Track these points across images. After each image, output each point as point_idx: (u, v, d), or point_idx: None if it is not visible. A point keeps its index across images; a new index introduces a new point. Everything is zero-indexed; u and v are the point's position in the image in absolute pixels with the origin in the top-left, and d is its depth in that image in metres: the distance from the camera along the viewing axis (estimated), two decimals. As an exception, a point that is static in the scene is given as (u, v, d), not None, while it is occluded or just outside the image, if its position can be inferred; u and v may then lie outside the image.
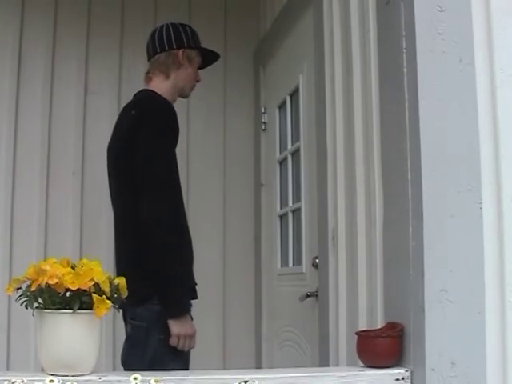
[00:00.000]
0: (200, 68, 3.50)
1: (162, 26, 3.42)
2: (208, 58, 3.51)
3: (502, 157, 2.26)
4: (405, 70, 2.34)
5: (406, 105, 2.32)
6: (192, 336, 3.02)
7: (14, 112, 4.50)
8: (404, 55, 2.35)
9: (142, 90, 3.35)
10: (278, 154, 4.40)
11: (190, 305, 3.10)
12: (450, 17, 2.29)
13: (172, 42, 3.35)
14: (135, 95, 3.38)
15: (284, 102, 4.27)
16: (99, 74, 4.72)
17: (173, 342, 2.96)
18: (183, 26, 3.44)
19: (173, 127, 3.13)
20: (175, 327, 2.96)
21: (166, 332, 2.96)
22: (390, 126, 2.51)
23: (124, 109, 3.37)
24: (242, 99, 4.92)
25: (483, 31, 2.32)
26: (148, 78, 3.37)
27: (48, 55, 4.60)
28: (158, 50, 3.36)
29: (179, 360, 3.00)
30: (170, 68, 3.33)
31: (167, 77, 3.33)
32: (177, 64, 3.34)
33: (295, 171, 4.03)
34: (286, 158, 4.21)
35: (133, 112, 3.19)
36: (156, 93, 3.26)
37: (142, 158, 3.03)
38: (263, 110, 4.70)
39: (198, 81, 3.46)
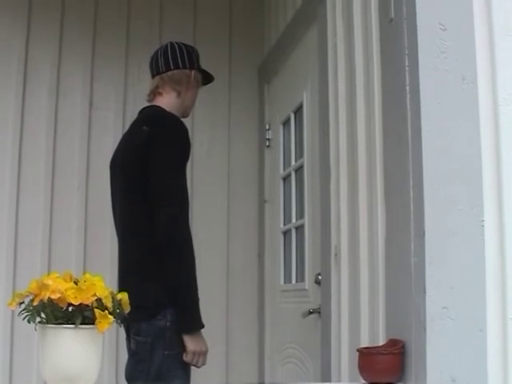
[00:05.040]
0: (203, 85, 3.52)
1: (172, 43, 3.41)
2: (204, 79, 3.52)
3: (504, 175, 2.27)
4: (407, 87, 2.35)
5: (409, 122, 2.33)
6: (205, 353, 3.03)
7: (19, 126, 4.51)
8: (407, 73, 2.36)
9: (151, 107, 3.35)
10: (281, 171, 4.41)
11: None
12: (452, 35, 2.30)
13: (186, 61, 3.36)
14: (142, 111, 3.38)
15: (288, 119, 4.28)
16: (104, 90, 4.74)
17: (188, 358, 2.96)
18: (191, 47, 3.45)
19: (186, 143, 3.15)
20: (191, 343, 2.97)
21: (171, 347, 2.96)
22: (392, 143, 2.51)
23: (133, 125, 3.36)
24: (247, 115, 4.93)
25: (486, 50, 2.32)
26: (157, 93, 3.35)
27: (53, 70, 4.62)
28: (172, 67, 3.35)
29: (183, 376, 3.00)
30: (182, 86, 3.34)
31: (178, 94, 3.33)
32: (188, 83, 3.35)
33: (299, 188, 4.03)
34: (289, 175, 4.22)
35: (145, 128, 3.17)
36: (165, 109, 3.26)
37: (158, 171, 3.04)
38: (267, 127, 4.72)
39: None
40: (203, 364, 3.06)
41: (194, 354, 2.97)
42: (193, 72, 3.36)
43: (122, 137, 3.42)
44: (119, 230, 3.28)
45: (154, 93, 3.36)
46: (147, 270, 3.03)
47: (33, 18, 4.63)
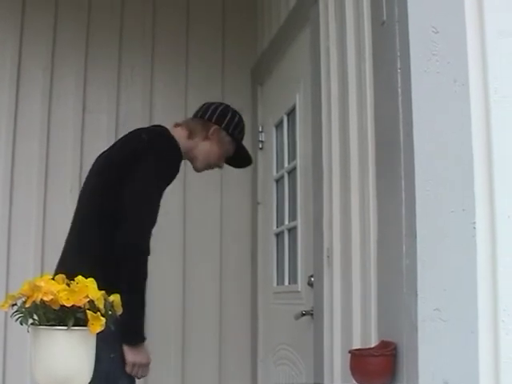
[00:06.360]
0: (230, 164, 3.57)
1: (222, 104, 3.49)
2: (241, 159, 3.56)
3: (496, 177, 2.27)
4: (399, 90, 2.36)
5: (401, 124, 2.34)
6: (146, 365, 3.01)
7: (12, 129, 4.52)
8: (399, 75, 2.37)
9: (162, 126, 3.38)
10: (274, 173, 4.41)
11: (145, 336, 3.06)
12: (444, 38, 2.31)
13: (213, 115, 3.40)
14: (152, 126, 3.44)
15: (281, 121, 4.28)
16: (97, 93, 4.74)
17: (128, 369, 2.95)
18: (236, 112, 3.48)
19: (172, 170, 3.17)
20: (131, 355, 2.95)
21: (118, 350, 2.93)
22: (384, 145, 2.52)
23: (136, 130, 3.36)
24: (240, 118, 4.93)
25: (477, 52, 2.33)
26: (176, 124, 3.39)
27: (46, 74, 4.62)
28: (199, 116, 3.43)
29: (129, 378, 3.00)
30: (196, 133, 3.36)
31: (190, 137, 3.35)
32: (204, 134, 3.37)
33: (291, 190, 4.04)
34: (282, 177, 4.23)
35: (144, 136, 3.21)
36: (173, 136, 3.27)
37: (135, 183, 3.04)
38: (260, 129, 4.72)
39: (219, 166, 3.50)
40: (143, 376, 3.04)
41: (133, 365, 2.95)
42: (215, 127, 3.38)
43: (120, 138, 3.42)
44: (81, 217, 3.26)
45: (175, 123, 3.41)
46: (99, 271, 2.98)
47: (26, 21, 4.63)
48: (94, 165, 3.36)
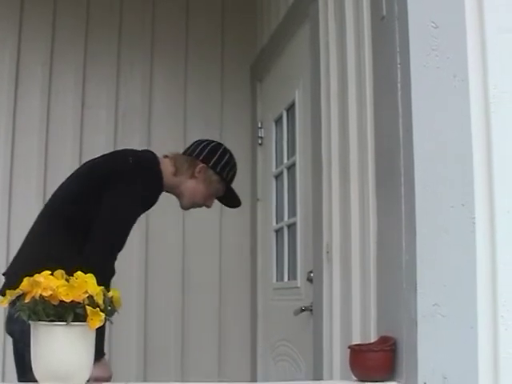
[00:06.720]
0: (222, 202, 3.55)
1: (213, 141, 3.44)
2: (230, 198, 3.52)
3: (495, 172, 2.27)
4: (399, 85, 2.36)
5: (400, 120, 2.33)
6: (108, 379, 2.94)
7: (12, 125, 4.52)
8: (398, 71, 2.36)
9: (152, 152, 3.34)
10: (274, 169, 4.41)
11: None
12: (444, 33, 2.31)
13: (202, 154, 3.35)
14: (142, 150, 3.37)
15: (280, 117, 4.28)
16: (96, 89, 4.75)
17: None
18: (227, 151, 3.42)
19: (151, 199, 3.17)
20: (93, 370, 2.93)
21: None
22: (384, 140, 2.52)
23: (125, 151, 3.35)
24: (239, 114, 4.93)
25: (477, 48, 2.33)
26: (164, 155, 3.34)
27: (45, 69, 4.63)
28: (187, 153, 3.37)
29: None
30: (182, 171, 3.31)
31: (175, 174, 3.30)
32: (190, 173, 3.32)
33: (291, 186, 4.04)
34: (281, 173, 4.22)
35: (130, 159, 3.17)
36: (160, 166, 3.24)
37: (111, 203, 3.01)
38: (260, 125, 4.72)
39: (206, 206, 3.45)
40: None
41: (95, 379, 2.92)
42: (201, 165, 3.32)
43: (108, 153, 3.38)
44: (50, 212, 3.23)
45: (164, 155, 3.35)
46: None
47: (25, 18, 4.63)
48: (77, 169, 3.34)
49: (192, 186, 3.33)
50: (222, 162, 3.37)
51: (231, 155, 3.42)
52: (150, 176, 3.16)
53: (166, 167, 3.28)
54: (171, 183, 3.29)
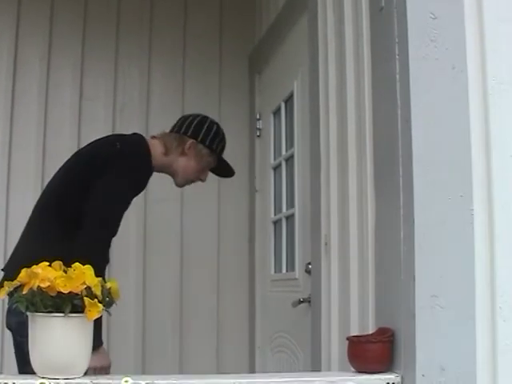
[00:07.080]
0: (215, 173, 3.52)
1: (199, 115, 3.42)
2: (223, 169, 3.50)
3: (494, 163, 2.27)
4: (397, 76, 2.35)
5: (399, 111, 2.33)
6: (107, 368, 2.93)
7: (9, 118, 4.53)
8: (397, 62, 2.36)
9: (139, 135, 3.34)
10: (272, 160, 4.41)
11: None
12: (442, 24, 2.30)
13: (189, 129, 3.34)
14: (130, 134, 3.36)
15: (279, 109, 4.28)
16: (94, 83, 4.75)
17: (89, 374, 2.93)
18: (214, 123, 3.42)
19: (139, 183, 3.16)
20: (91, 360, 2.93)
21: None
22: (382, 132, 2.52)
23: (112, 136, 3.37)
24: (237, 105, 4.93)
25: (476, 39, 2.32)
26: (152, 136, 3.35)
27: (43, 64, 4.63)
28: (174, 130, 3.36)
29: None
30: (171, 149, 3.31)
31: (165, 154, 3.30)
32: (180, 150, 3.32)
33: (289, 177, 4.04)
34: (280, 165, 4.22)
35: (117, 144, 3.16)
36: (149, 147, 3.24)
37: (101, 190, 2.99)
38: (258, 117, 4.72)
39: (200, 180, 3.44)
40: None
41: (94, 369, 2.91)
42: (190, 141, 3.32)
43: (96, 140, 3.36)
44: (44, 204, 3.23)
45: (152, 136, 3.36)
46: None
47: (22, 12, 4.63)
48: (67, 160, 3.33)
49: (184, 163, 3.34)
50: (211, 135, 3.37)
51: (218, 126, 3.43)
52: (138, 159, 3.15)
53: (156, 148, 3.28)
54: (163, 163, 3.29)
